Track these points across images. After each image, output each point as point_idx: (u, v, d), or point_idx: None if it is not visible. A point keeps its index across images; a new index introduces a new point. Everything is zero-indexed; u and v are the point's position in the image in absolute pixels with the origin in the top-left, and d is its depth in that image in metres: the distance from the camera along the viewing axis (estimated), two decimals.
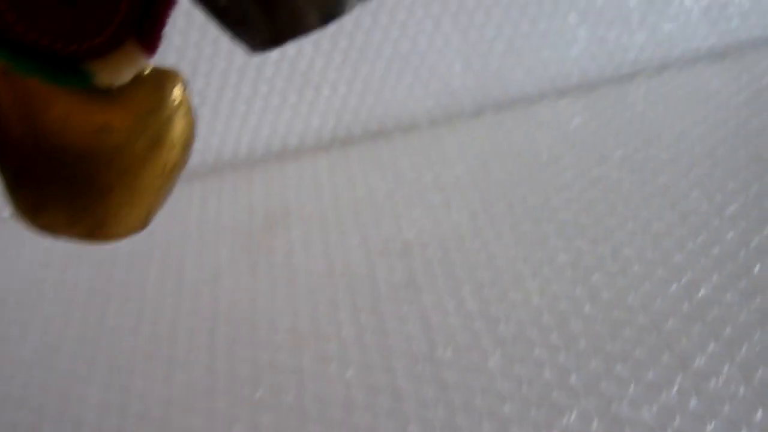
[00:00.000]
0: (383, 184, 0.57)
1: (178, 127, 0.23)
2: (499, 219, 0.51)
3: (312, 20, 0.19)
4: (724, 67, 0.65)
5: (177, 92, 0.23)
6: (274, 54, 0.59)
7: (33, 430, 0.42)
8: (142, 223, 0.24)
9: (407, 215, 0.53)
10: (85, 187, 0.22)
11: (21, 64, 0.20)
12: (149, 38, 0.21)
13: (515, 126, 0.62)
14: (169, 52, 0.56)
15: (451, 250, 0.49)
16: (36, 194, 0.23)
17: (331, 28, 0.23)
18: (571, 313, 0.43)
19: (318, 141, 0.63)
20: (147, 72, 0.22)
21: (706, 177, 0.52)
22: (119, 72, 0.21)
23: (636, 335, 0.42)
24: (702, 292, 0.44)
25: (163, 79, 0.23)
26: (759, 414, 0.37)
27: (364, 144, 0.63)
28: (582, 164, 0.56)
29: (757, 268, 0.44)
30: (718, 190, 0.51)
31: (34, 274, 0.54)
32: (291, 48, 0.60)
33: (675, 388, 0.38)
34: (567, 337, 0.42)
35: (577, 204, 0.52)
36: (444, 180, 0.56)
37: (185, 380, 0.44)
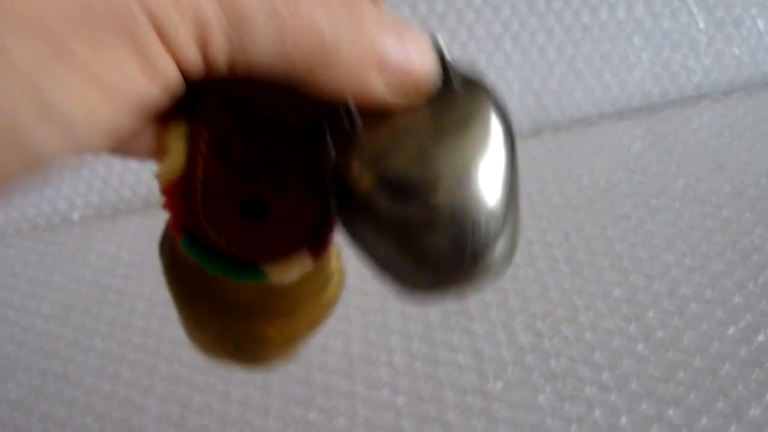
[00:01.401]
0: None
1: (331, 294, 0.27)
2: (554, 248, 0.51)
3: (453, 278, 0.20)
4: None
5: (334, 266, 0.26)
6: None
7: None
8: (289, 359, 0.29)
9: None
10: (248, 337, 0.26)
11: (209, 264, 0.24)
12: (318, 249, 0.24)
13: (574, 148, 0.61)
14: None
15: (505, 279, 0.49)
16: (210, 340, 0.28)
17: None
18: (624, 352, 0.43)
19: None
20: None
21: None
22: (290, 274, 0.24)
23: (690, 379, 0.41)
24: (761, 337, 0.43)
25: (324, 263, 0.25)
26: None
27: None
28: (641, 192, 0.55)
29: None
30: None
31: (99, 281, 0.57)
32: None
33: None
34: (619, 377, 0.42)
35: (635, 236, 0.51)
36: None
37: (241, 397, 0.45)
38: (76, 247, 0.61)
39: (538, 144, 0.63)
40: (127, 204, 0.65)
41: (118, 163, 0.64)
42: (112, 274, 0.57)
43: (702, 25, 0.62)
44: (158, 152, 0.23)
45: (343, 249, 0.26)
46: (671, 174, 0.57)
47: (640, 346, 0.43)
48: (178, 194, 0.23)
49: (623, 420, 0.40)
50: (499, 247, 0.20)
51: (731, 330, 0.43)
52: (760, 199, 0.52)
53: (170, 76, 0.16)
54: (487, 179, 0.19)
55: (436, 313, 0.48)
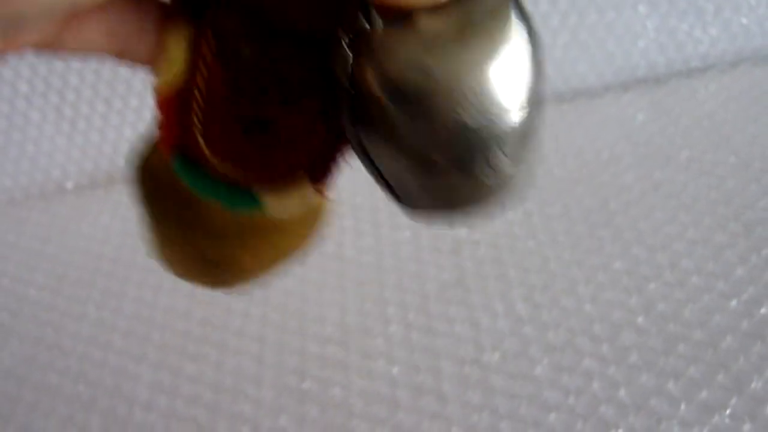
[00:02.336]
0: None
1: (315, 226, 0.25)
2: (554, 220, 0.50)
3: (462, 195, 0.19)
4: None
5: (321, 206, 0.25)
6: None
7: (90, 404, 0.44)
8: (257, 282, 0.27)
9: None
10: (223, 264, 0.25)
11: (202, 188, 0.22)
12: (322, 179, 0.22)
13: (577, 120, 0.60)
14: None
15: (503, 250, 0.48)
16: (180, 262, 0.26)
17: None
18: (624, 324, 0.42)
19: None
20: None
21: None
22: (288, 204, 0.23)
23: (691, 352, 0.40)
24: (764, 310, 0.42)
25: (314, 211, 0.24)
26: None
27: None
28: (645, 165, 0.54)
29: None
30: None
31: (92, 250, 0.56)
32: None
33: (728, 411, 0.37)
34: (618, 349, 0.41)
35: (637, 208, 0.50)
36: None
37: (235, 366, 0.45)
38: (70, 216, 0.61)
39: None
40: (121, 173, 0.64)
41: (112, 132, 0.63)
42: (106, 243, 0.56)
43: None
44: (159, 57, 0.21)
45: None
46: (675, 146, 0.55)
47: (640, 319, 0.43)
48: (176, 107, 0.22)
49: (622, 392, 0.39)
50: (515, 162, 0.18)
51: (733, 303, 0.43)
52: (765, 172, 0.51)
53: None
54: (509, 87, 0.18)
55: (433, 285, 0.47)
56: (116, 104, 0.62)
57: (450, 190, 0.19)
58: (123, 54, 0.21)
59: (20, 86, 0.60)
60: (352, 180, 0.60)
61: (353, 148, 0.20)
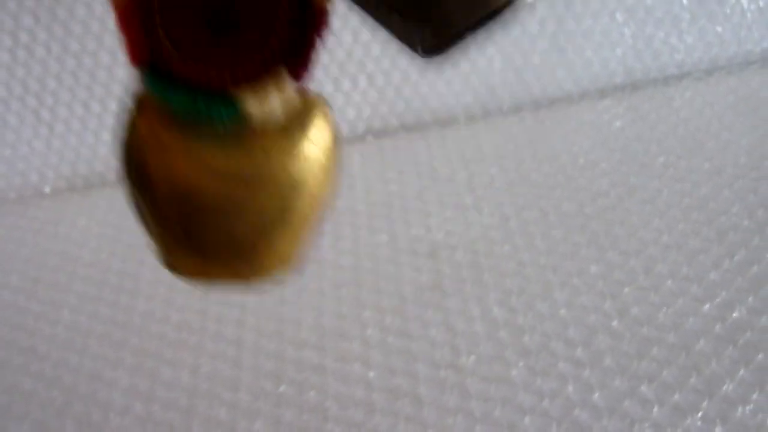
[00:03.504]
0: (416, 180, 0.57)
1: (321, 171, 0.23)
2: (530, 225, 0.51)
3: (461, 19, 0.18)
4: None
5: (320, 127, 0.23)
6: None
7: (64, 410, 0.44)
8: (291, 263, 0.24)
9: (437, 215, 0.53)
10: (234, 235, 0.23)
11: (174, 99, 0.21)
12: (299, 66, 0.21)
13: (554, 126, 0.61)
14: None
15: (480, 254, 0.49)
16: (179, 245, 0.24)
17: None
18: (599, 328, 0.43)
19: (352, 132, 0.63)
20: (289, 107, 0.22)
21: (750, 191, 0.51)
22: (267, 97, 0.21)
23: (664, 355, 0.41)
24: (736, 314, 0.43)
25: (306, 113, 0.23)
26: None
27: (398, 137, 0.63)
28: (620, 170, 0.55)
29: None
30: (762, 205, 0.50)
31: (69, 254, 0.56)
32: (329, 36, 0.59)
33: (700, 414, 0.38)
34: (593, 353, 0.42)
35: (612, 213, 0.51)
36: (477, 180, 0.56)
37: (211, 371, 0.44)
38: (47, 220, 0.60)
39: (519, 121, 0.62)
40: (100, 177, 0.64)
41: (90, 136, 0.63)
42: (83, 247, 0.56)
43: (685, 2, 0.61)
44: None
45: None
46: (651, 152, 0.56)
47: (614, 323, 0.43)
48: (134, 10, 0.20)
49: (596, 395, 0.39)
50: None
51: (706, 306, 0.43)
52: (739, 178, 0.52)
53: None
54: None
55: (409, 288, 0.47)
56: (95, 108, 0.62)
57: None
58: None
59: None
60: None
61: None
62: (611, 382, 0.40)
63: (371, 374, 0.42)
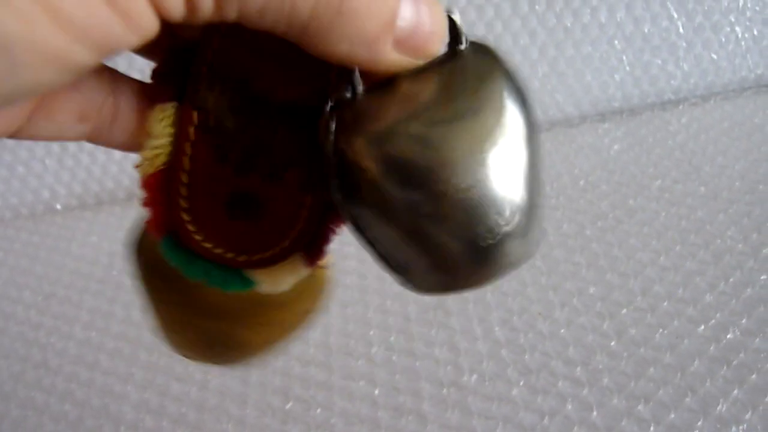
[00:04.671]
0: None
1: (316, 301, 0.25)
2: (542, 240, 0.52)
3: (470, 276, 0.18)
4: None
5: (323, 279, 0.24)
6: None
7: (76, 424, 0.45)
8: (261, 358, 0.26)
9: None
10: (226, 343, 0.25)
11: (192, 271, 0.21)
12: (314, 254, 0.21)
13: (555, 148, 0.62)
14: None
15: None
16: (183, 342, 0.26)
17: None
18: (597, 348, 0.44)
19: None
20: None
21: (745, 215, 0.52)
22: (282, 281, 0.22)
23: (661, 375, 0.42)
24: (730, 335, 0.44)
25: (309, 285, 0.24)
26: None
27: None
28: (619, 193, 0.56)
29: None
30: (756, 229, 0.51)
31: (80, 270, 0.57)
32: None
33: None
34: (591, 373, 0.43)
35: (612, 235, 0.52)
36: None
37: (220, 386, 0.46)
38: (59, 236, 0.61)
39: None
40: (110, 194, 0.65)
41: (101, 154, 0.64)
42: (94, 264, 0.57)
43: (682, 30, 0.63)
44: (141, 138, 0.21)
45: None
46: (649, 175, 0.58)
47: (613, 343, 0.44)
48: (161, 188, 0.21)
49: (594, 414, 0.41)
50: (518, 242, 0.17)
51: (701, 328, 0.45)
52: (734, 202, 0.54)
53: (142, 13, 0.15)
54: (505, 161, 0.17)
55: (414, 307, 0.49)
56: None
57: (453, 265, 0.18)
58: (99, 137, 0.21)
59: None
60: None
61: (346, 223, 0.19)
62: (609, 401, 0.41)
63: (376, 392, 0.44)
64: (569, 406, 0.41)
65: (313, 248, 0.21)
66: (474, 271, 0.18)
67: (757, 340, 0.43)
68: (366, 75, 0.18)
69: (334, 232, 0.22)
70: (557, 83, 0.64)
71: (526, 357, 0.44)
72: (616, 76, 0.64)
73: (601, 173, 0.59)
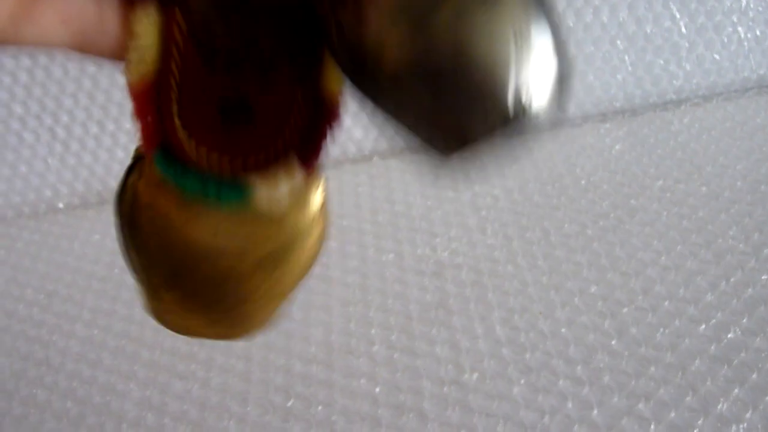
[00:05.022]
0: (421, 200, 0.58)
1: (316, 237, 0.23)
2: (533, 245, 0.52)
3: (479, 129, 0.17)
4: None
5: (319, 209, 0.23)
6: None
7: (78, 421, 0.45)
8: (269, 325, 0.25)
9: (443, 234, 0.54)
10: (220, 300, 0.23)
11: (187, 183, 0.21)
12: (309, 156, 0.21)
13: (557, 148, 0.62)
14: None
15: (484, 274, 0.50)
16: (178, 306, 0.24)
17: None
18: (598, 347, 0.44)
19: (360, 153, 0.64)
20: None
21: (746, 215, 0.52)
22: (277, 185, 0.21)
23: (661, 374, 0.42)
24: (731, 334, 0.44)
25: (306, 192, 0.23)
26: None
27: (405, 158, 0.64)
28: (621, 193, 0.56)
29: None
30: (757, 229, 0.51)
31: (82, 269, 0.57)
32: None
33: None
34: (592, 371, 0.43)
35: (613, 235, 0.52)
36: (482, 200, 0.57)
37: (221, 384, 0.46)
38: (61, 235, 0.62)
39: (523, 143, 0.64)
40: (113, 193, 0.65)
41: (104, 153, 0.65)
42: (96, 262, 0.57)
43: (684, 30, 0.63)
44: (126, 44, 0.20)
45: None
46: (650, 175, 0.58)
47: (613, 342, 0.44)
48: (151, 96, 0.20)
49: (595, 413, 0.41)
50: (543, 112, 0.17)
51: (702, 327, 0.45)
52: (735, 202, 0.54)
53: None
54: (535, 44, 0.16)
55: (415, 306, 0.49)
56: (109, 126, 0.64)
57: (476, 135, 0.17)
58: (84, 45, 0.20)
59: (15, 108, 0.61)
60: (338, 202, 0.62)
61: (360, 104, 0.18)
62: (610, 400, 0.41)
63: (377, 390, 0.44)
64: (570, 405, 0.41)
65: (307, 149, 0.21)
66: (500, 132, 0.17)
67: (758, 339, 0.43)
68: None
69: (328, 132, 0.21)
70: None
71: (527, 356, 0.44)
72: (619, 76, 0.64)
73: (602, 173, 0.59)
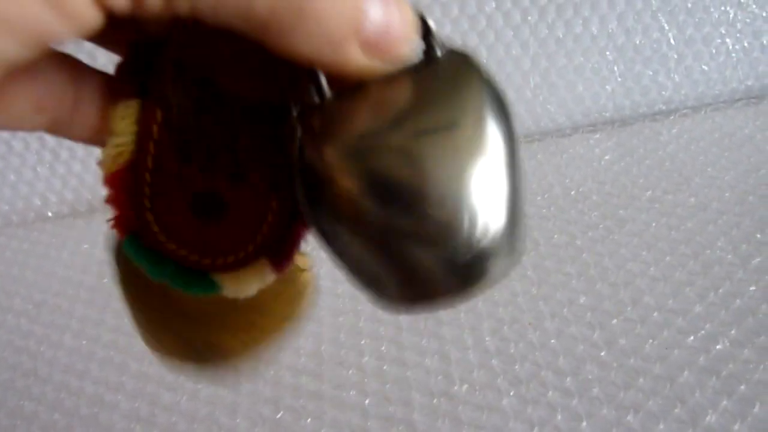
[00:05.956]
0: None
1: (299, 308, 0.24)
2: (523, 256, 0.52)
3: (448, 293, 0.17)
4: (759, 110, 0.65)
5: (304, 279, 0.23)
6: None
7: None
8: (247, 365, 0.25)
9: None
10: (208, 349, 0.24)
11: (155, 271, 0.21)
12: (281, 259, 0.21)
13: (546, 159, 0.62)
14: None
15: None
16: (167, 349, 0.25)
17: None
18: (587, 358, 0.44)
19: None
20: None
21: (734, 226, 0.53)
22: (247, 287, 0.21)
23: (650, 385, 0.42)
24: (719, 346, 0.44)
25: (294, 275, 0.23)
26: None
27: None
28: (610, 203, 0.56)
29: None
30: (745, 240, 0.51)
31: (71, 278, 0.57)
32: None
33: None
34: (581, 383, 0.43)
35: (602, 246, 0.52)
36: None
37: (210, 395, 0.45)
38: (50, 244, 0.61)
39: None
40: (102, 202, 0.65)
41: (94, 162, 0.64)
42: (85, 272, 0.57)
43: (673, 41, 0.64)
44: (102, 134, 0.20)
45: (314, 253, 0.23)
46: (639, 186, 0.58)
47: (603, 353, 0.45)
48: (124, 186, 0.20)
49: (584, 424, 0.41)
50: (498, 258, 0.17)
51: (691, 339, 0.45)
52: (724, 213, 0.54)
53: (80, 6, 0.14)
54: (487, 175, 0.16)
55: (406, 317, 0.49)
56: None
57: (428, 281, 0.17)
58: (57, 129, 0.20)
59: None
60: None
61: (313, 233, 0.19)
62: (599, 411, 0.41)
63: (367, 401, 0.44)
64: (559, 417, 0.41)
65: (279, 253, 0.21)
66: (450, 288, 0.17)
67: (746, 350, 0.44)
68: (334, 80, 0.17)
69: (302, 236, 0.21)
70: (549, 94, 0.64)
71: (517, 367, 0.44)
72: (608, 87, 0.65)
73: (591, 183, 0.59)
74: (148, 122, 0.20)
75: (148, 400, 0.46)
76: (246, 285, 0.21)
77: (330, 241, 0.18)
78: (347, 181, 0.16)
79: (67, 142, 0.63)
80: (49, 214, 0.65)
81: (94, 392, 0.47)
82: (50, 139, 0.63)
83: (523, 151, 0.62)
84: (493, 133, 0.16)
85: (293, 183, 0.18)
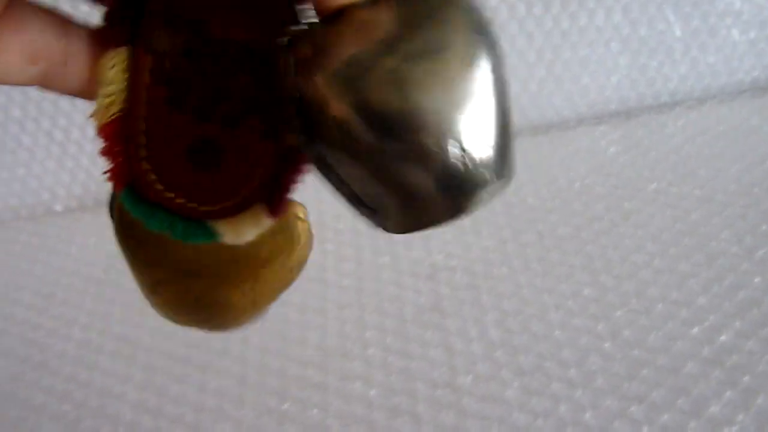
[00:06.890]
0: None
1: (297, 257, 0.24)
2: (528, 248, 0.52)
3: (442, 215, 0.18)
4: (765, 102, 0.65)
5: (301, 229, 0.23)
6: None
7: (74, 424, 0.45)
8: (252, 321, 0.26)
9: (437, 237, 0.54)
10: (211, 303, 0.24)
11: (153, 222, 0.21)
12: (276, 203, 0.21)
13: (551, 151, 0.62)
14: None
15: (478, 276, 0.50)
16: (169, 305, 0.25)
17: None
18: (591, 350, 0.44)
19: None
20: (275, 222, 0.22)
21: (739, 218, 0.53)
22: (244, 232, 0.21)
23: (654, 377, 0.43)
24: (723, 337, 0.44)
25: (290, 222, 0.23)
26: None
27: None
28: (615, 195, 0.56)
29: None
30: (750, 232, 0.51)
31: (80, 272, 0.57)
32: None
33: None
34: (585, 374, 0.43)
35: (607, 238, 0.52)
36: None
37: (217, 387, 0.46)
38: (59, 238, 0.62)
39: (517, 146, 0.64)
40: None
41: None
42: (94, 265, 0.58)
43: (678, 33, 0.63)
44: (94, 84, 0.20)
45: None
46: (644, 178, 0.58)
47: (606, 344, 0.45)
48: (118, 136, 0.20)
49: (587, 415, 0.41)
50: (490, 182, 0.17)
51: (695, 330, 0.45)
52: (728, 205, 0.54)
53: None
54: (477, 95, 0.16)
55: (410, 309, 0.49)
56: None
57: (425, 200, 0.17)
58: (49, 81, 0.20)
59: (13, 111, 0.61)
60: (333, 204, 0.62)
61: (311, 164, 0.19)
62: (602, 402, 0.42)
63: (372, 393, 0.44)
64: (563, 407, 0.42)
65: (275, 196, 0.21)
66: (445, 206, 0.17)
67: (750, 342, 0.44)
68: (320, 8, 0.17)
69: (296, 180, 0.21)
70: (554, 86, 0.64)
71: (521, 358, 0.45)
72: (613, 79, 0.65)
73: (597, 176, 0.59)
74: (139, 69, 0.20)
75: (157, 392, 0.46)
76: (244, 230, 0.21)
77: (329, 171, 0.18)
78: (339, 108, 0.16)
79: (75, 136, 0.64)
80: (58, 208, 0.65)
81: (103, 384, 0.48)
82: (58, 134, 0.63)
83: (528, 144, 0.62)
84: (480, 55, 0.17)
85: (288, 118, 0.18)
